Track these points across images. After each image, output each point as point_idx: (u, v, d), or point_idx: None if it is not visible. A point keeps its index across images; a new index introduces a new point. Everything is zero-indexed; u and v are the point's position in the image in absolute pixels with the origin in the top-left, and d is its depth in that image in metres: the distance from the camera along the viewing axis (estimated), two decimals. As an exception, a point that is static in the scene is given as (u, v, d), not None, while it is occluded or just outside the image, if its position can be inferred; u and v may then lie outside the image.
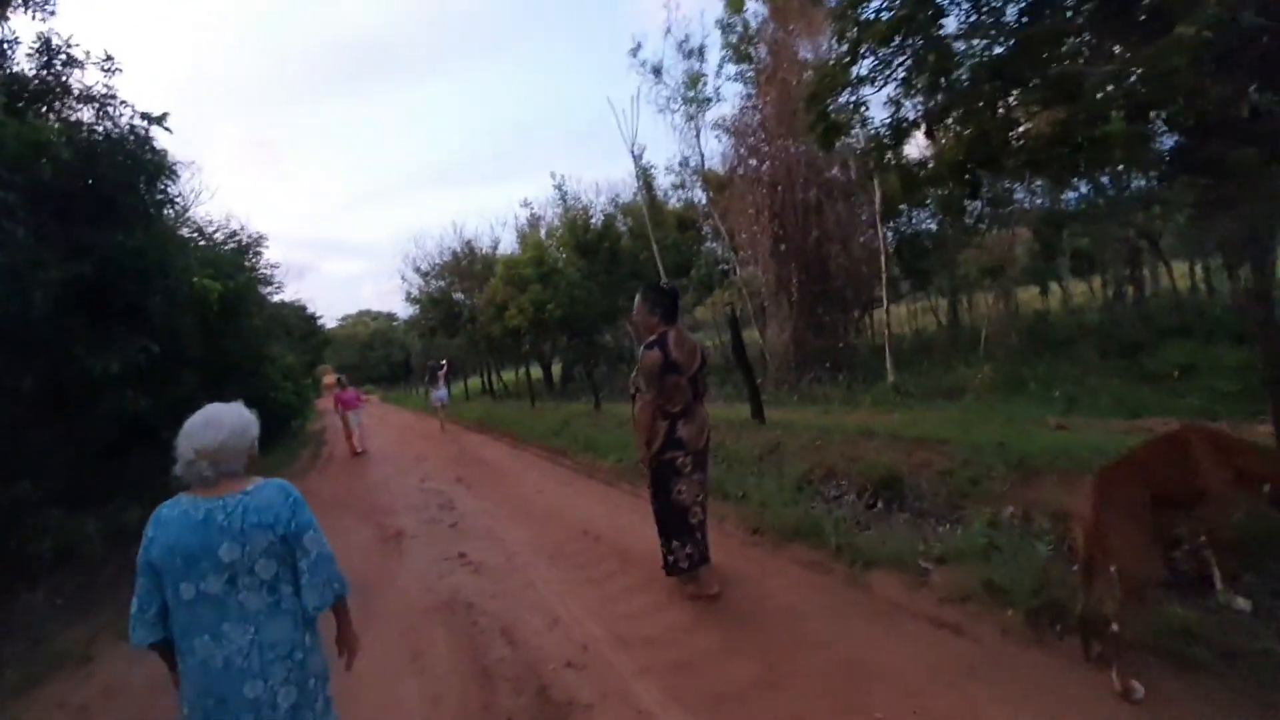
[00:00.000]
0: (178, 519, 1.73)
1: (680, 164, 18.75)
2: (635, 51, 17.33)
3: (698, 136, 18.35)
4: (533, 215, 26.80)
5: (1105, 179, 13.85)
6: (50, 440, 5.22)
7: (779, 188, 14.63)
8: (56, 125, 5.14)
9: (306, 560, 1.82)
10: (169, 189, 7.20)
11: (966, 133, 10.39)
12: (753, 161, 15.73)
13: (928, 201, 14.51)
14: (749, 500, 4.73)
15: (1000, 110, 9.95)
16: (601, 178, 36.41)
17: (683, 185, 20.06)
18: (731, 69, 16.25)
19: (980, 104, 9.52)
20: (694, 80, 17.02)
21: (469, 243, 27.88)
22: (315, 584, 1.82)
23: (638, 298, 3.51)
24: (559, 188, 22.60)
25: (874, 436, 5.50)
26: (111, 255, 5.59)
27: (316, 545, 1.85)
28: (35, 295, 4.47)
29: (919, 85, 8.67)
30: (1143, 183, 14.14)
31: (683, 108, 17.62)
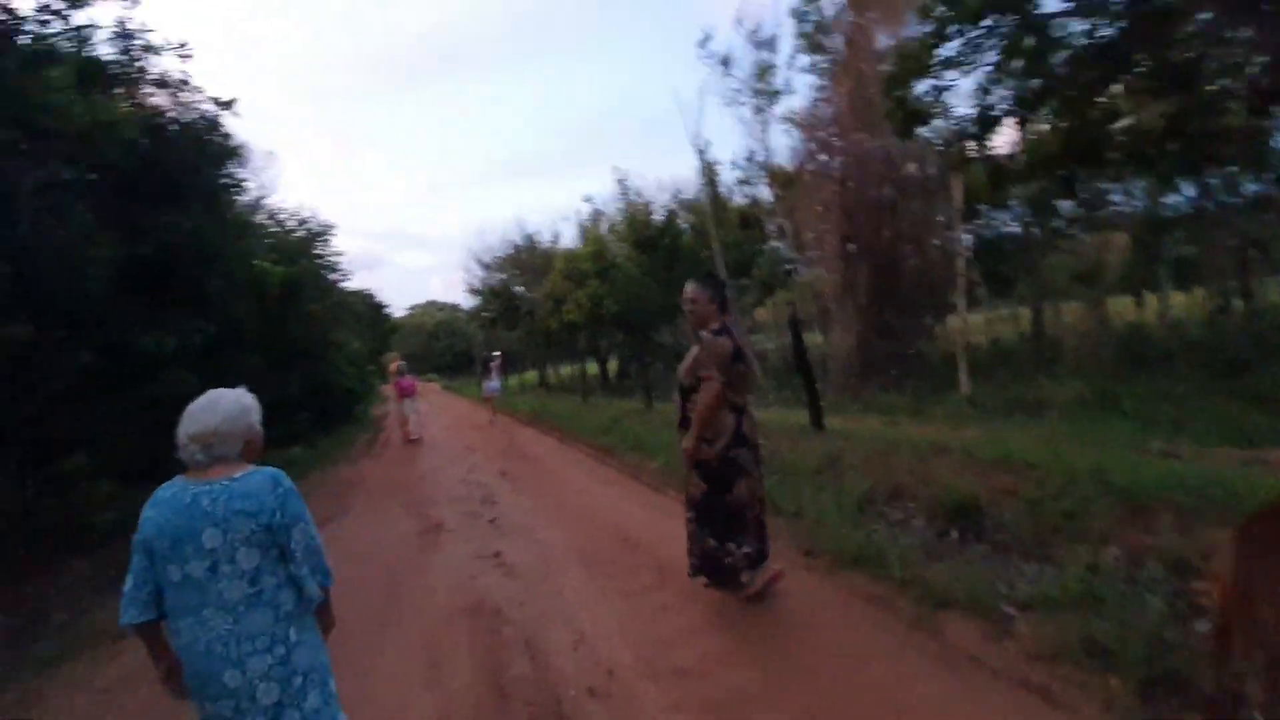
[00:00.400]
0: (169, 500, 1.71)
1: (746, 159, 18.14)
2: (704, 43, 16.93)
3: (765, 130, 17.77)
4: (594, 211, 26.75)
5: (1215, 180, 12.54)
6: (107, 415, 5.30)
7: (850, 184, 13.93)
8: (126, 107, 5.18)
9: (297, 551, 1.77)
10: (234, 174, 7.34)
11: (1063, 124, 9.54)
12: (823, 156, 15.05)
13: (1013, 201, 13.50)
14: (803, 517, 4.31)
15: (1103, 99, 9.05)
16: (665, 173, 36.13)
17: (748, 181, 19.48)
18: (804, 60, 15.64)
19: (1080, 92, 8.67)
20: (764, 72, 16.47)
21: (530, 236, 28.14)
22: (305, 574, 1.78)
23: (695, 286, 3.32)
24: (621, 183, 22.40)
25: (947, 453, 4.95)
26: (171, 236, 5.65)
27: (305, 536, 1.80)
28: (90, 272, 4.49)
29: (1011, 70, 7.93)
30: (1256, 185, 12.75)
31: (751, 100, 17.10)
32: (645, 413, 11.50)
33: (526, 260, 28.64)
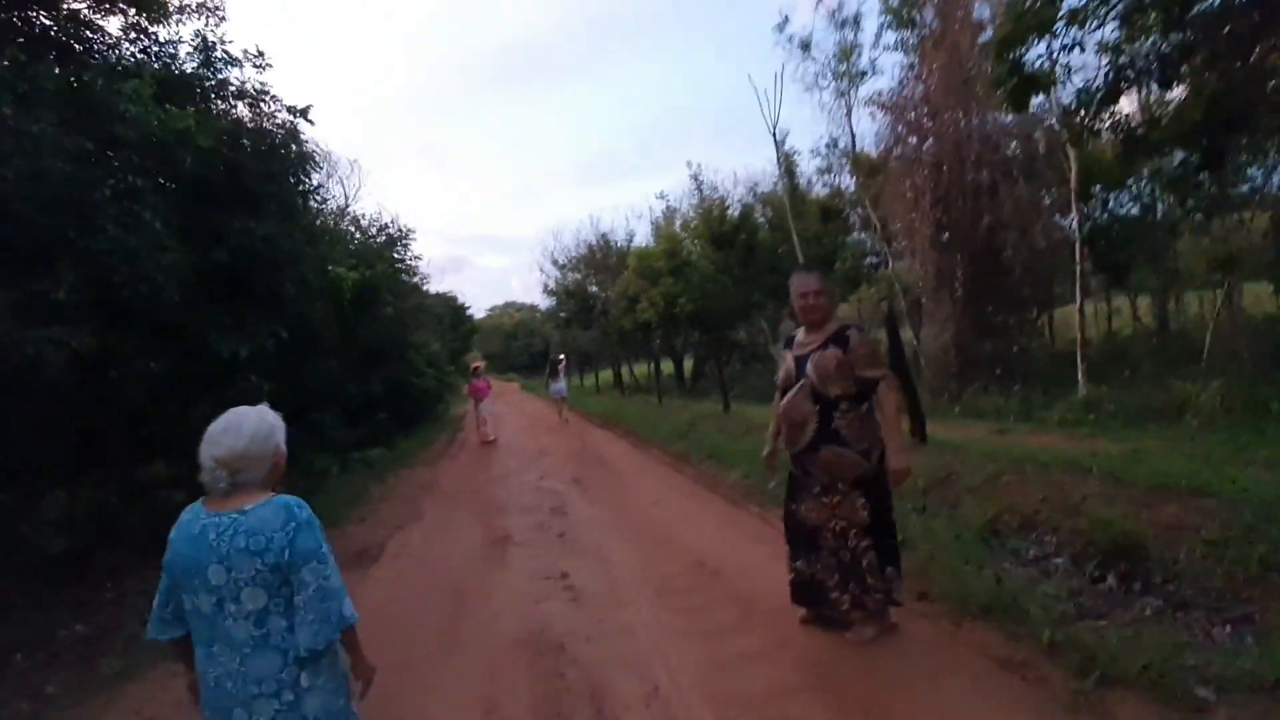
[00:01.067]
0: (184, 527, 1.64)
1: (827, 146, 17.25)
2: (782, 26, 16.23)
3: (848, 115, 16.77)
4: (668, 208, 26.32)
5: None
6: (183, 422, 5.32)
7: (944, 168, 12.83)
8: (193, 113, 5.18)
9: (303, 594, 1.58)
10: (309, 181, 7.38)
11: (1210, 84, 8.22)
12: (913, 140, 13.98)
13: (1142, 177, 12.01)
14: (913, 549, 3.69)
15: (1257, 54, 7.71)
16: (741, 167, 35.08)
17: (829, 170, 18.55)
18: (891, 37, 14.60)
19: (1232, 46, 7.40)
20: (846, 53, 15.52)
21: (604, 235, 28.04)
22: (308, 620, 1.57)
23: (809, 277, 2.94)
24: (695, 177, 21.85)
25: (1084, 473, 4.18)
26: (246, 242, 5.64)
27: (316, 577, 1.60)
28: (162, 280, 4.45)
29: (1149, 23, 6.84)
30: None
31: (832, 84, 16.19)
32: (722, 416, 10.95)
33: (601, 259, 28.59)
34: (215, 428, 1.67)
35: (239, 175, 5.91)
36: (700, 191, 21.93)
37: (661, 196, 32.45)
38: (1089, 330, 16.41)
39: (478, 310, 62.88)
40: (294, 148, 6.94)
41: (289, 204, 6.34)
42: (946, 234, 12.88)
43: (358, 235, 12.95)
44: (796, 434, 2.90)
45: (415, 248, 15.05)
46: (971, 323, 12.63)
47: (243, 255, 5.70)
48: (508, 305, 79.62)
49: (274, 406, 1.79)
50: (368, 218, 14.79)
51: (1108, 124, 7.53)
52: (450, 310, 45.99)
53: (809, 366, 2.81)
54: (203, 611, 1.60)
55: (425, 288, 24.11)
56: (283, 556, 1.56)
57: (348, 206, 15.03)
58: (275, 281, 6.02)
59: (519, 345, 70.38)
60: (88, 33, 5.69)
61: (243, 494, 1.63)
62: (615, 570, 4.49)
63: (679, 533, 5.19)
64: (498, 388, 32.82)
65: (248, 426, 1.67)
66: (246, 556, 1.54)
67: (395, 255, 14.30)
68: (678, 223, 24.90)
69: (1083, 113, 7.50)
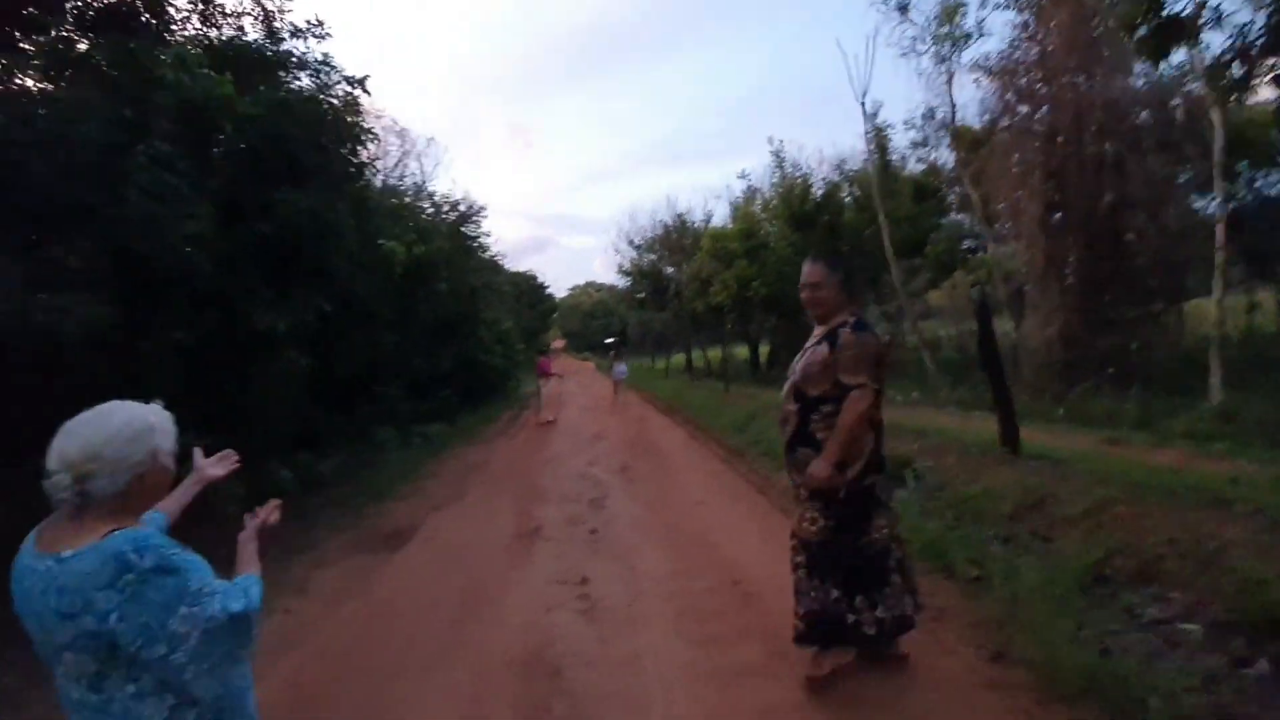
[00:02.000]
0: (18, 558, 1.23)
1: (924, 118, 15.73)
2: (878, -13, 14.78)
3: (949, 83, 15.19)
4: (749, 188, 25.28)
5: None
6: (219, 395, 5.28)
7: (1059, 140, 11.33)
8: (229, 80, 5.04)
9: (156, 673, 1.15)
10: (362, 152, 7.24)
11: None
12: (1023, 108, 12.45)
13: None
14: (989, 590, 3.01)
15: None
16: (828, 144, 33.24)
17: (924, 143, 16.95)
18: (1002, -8, 12.99)
19: None
20: (950, 13, 14.00)
21: (680, 216, 27.35)
22: (200, 675, 1.16)
23: (815, 265, 2.66)
24: (776, 154, 20.73)
25: (1225, 509, 3.31)
26: (289, 214, 5.50)
27: (192, 625, 1.15)
28: (189, 250, 4.32)
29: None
30: None
31: (932, 48, 14.68)
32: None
33: (676, 240, 27.96)
34: (74, 420, 1.26)
35: (286, 145, 5.76)
36: (781, 170, 20.79)
37: (743, 176, 31.31)
38: (1226, 327, 14.35)
39: (558, 290, 63.86)
40: (348, 119, 6.81)
41: (337, 176, 6.19)
42: (1059, 214, 11.41)
43: (428, 210, 12.99)
44: (782, 433, 2.70)
45: (487, 225, 15.04)
46: (1083, 315, 11.16)
47: (286, 227, 5.56)
48: (588, 285, 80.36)
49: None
50: (437, 194, 14.88)
51: (1266, 78, 6.23)
52: (529, 288, 46.88)
53: (799, 363, 2.61)
54: (44, 655, 1.22)
55: (504, 264, 24.38)
56: (110, 624, 1.10)
57: (424, 183, 15.15)
58: (320, 254, 5.89)
59: (597, 325, 70.98)
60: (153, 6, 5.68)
61: (87, 520, 1.20)
62: (639, 581, 4.04)
63: (718, 541, 4.66)
64: (573, 367, 32.91)
65: (116, 420, 1.27)
66: (57, 619, 1.12)
67: (465, 232, 14.31)
68: (758, 203, 23.88)
69: (1234, 67, 6.23)
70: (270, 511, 1.56)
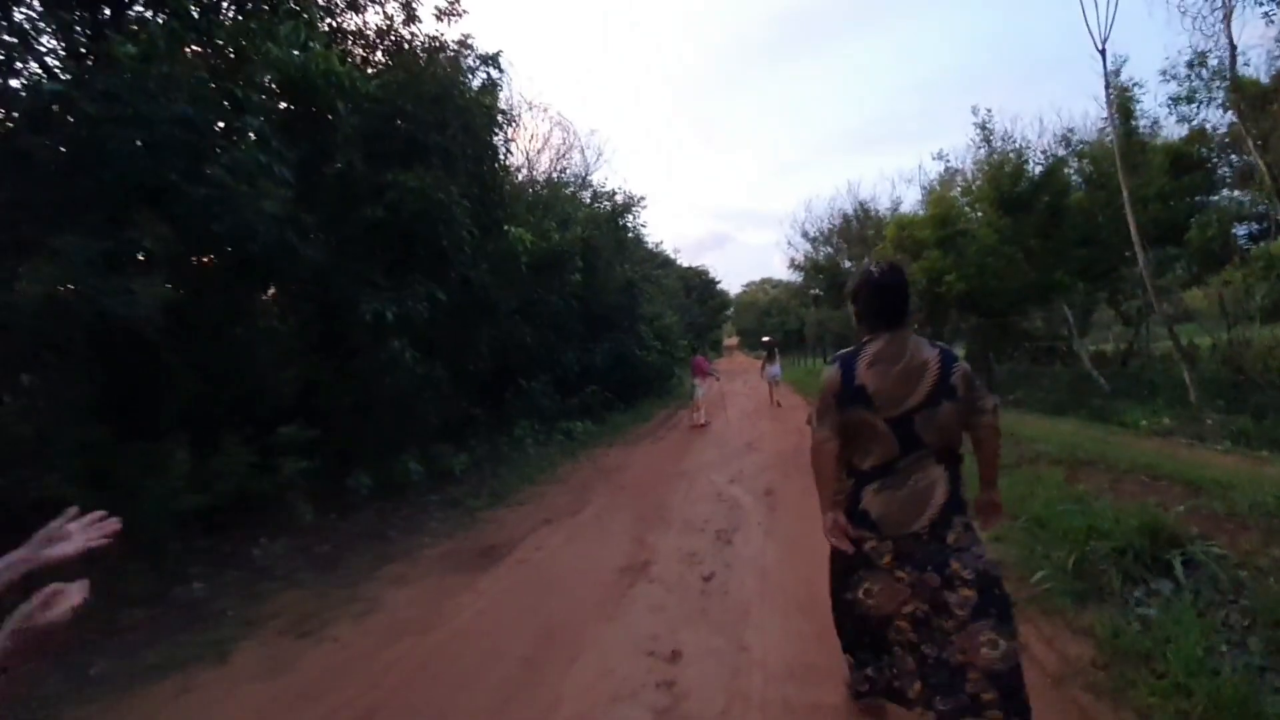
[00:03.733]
0: None
1: (1189, 65, 12.16)
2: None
3: (1227, 20, 11.49)
4: (946, 168, 22.16)
5: None
6: (321, 386, 5.07)
7: None
8: (336, 52, 4.75)
9: None
10: (496, 132, 6.84)
11: None
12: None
13: None
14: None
15: None
16: (1048, 114, 27.89)
17: (1190, 98, 13.17)
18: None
19: None
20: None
21: (863, 204, 24.81)
22: None
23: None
24: (983, 127, 17.67)
25: None
26: (399, 196, 5.16)
27: None
28: (272, 229, 4.02)
29: None
30: None
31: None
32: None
33: (858, 231, 25.46)
34: None
35: (405, 125, 5.43)
36: (989, 144, 17.68)
37: (939, 156, 27.76)
38: None
39: (734, 286, 62.69)
40: (483, 101, 6.43)
41: (458, 157, 5.78)
42: None
43: (586, 200, 12.71)
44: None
45: (661, 219, 14.55)
46: None
47: (396, 209, 5.22)
48: (764, 281, 78.03)
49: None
50: (594, 185, 14.60)
51: None
52: (700, 284, 46.35)
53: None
54: None
55: (677, 259, 23.77)
56: None
57: (586, 174, 15.01)
58: (432, 238, 5.50)
59: (773, 322, 68.70)
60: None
61: None
62: (744, 673, 2.94)
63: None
64: (744, 365, 31.43)
65: None
66: None
67: (623, 224, 13.85)
68: (957, 187, 20.74)
69: None
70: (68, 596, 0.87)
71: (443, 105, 5.89)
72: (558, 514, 6.05)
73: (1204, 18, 11.42)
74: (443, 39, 6.70)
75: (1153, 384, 12.13)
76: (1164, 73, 13.16)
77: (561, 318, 9.82)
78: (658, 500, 6.53)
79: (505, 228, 6.67)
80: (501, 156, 6.96)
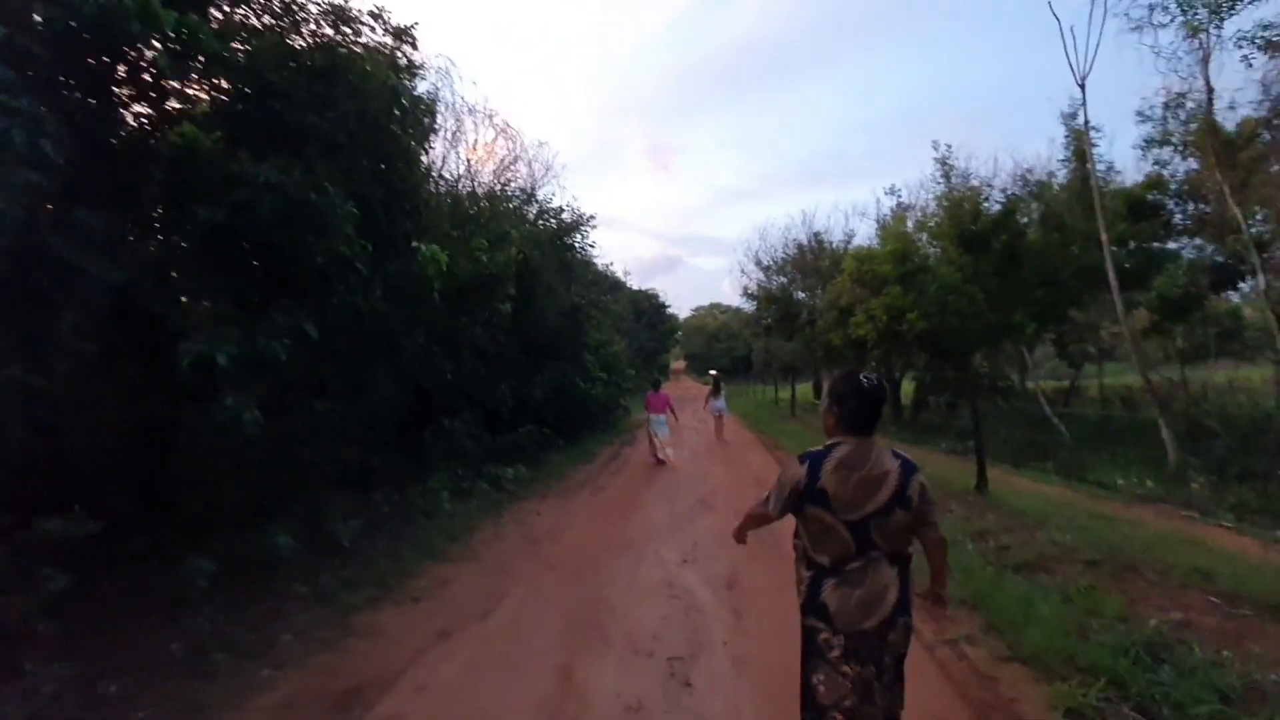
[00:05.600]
0: None
1: (1166, 106, 11.89)
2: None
3: (1205, 63, 11.27)
4: (899, 205, 21.89)
5: None
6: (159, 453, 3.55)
7: None
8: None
9: None
10: (411, 127, 5.47)
11: None
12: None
13: None
14: None
15: None
16: (1004, 153, 28.34)
17: (1165, 141, 12.94)
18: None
19: None
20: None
21: (817, 235, 24.34)
22: None
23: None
24: (943, 162, 17.34)
25: None
26: (253, 196, 3.73)
27: None
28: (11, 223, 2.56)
29: None
30: None
31: (1184, 16, 10.92)
32: (972, 497, 7.27)
33: (811, 262, 24.97)
34: None
35: (269, 101, 4.01)
36: (948, 179, 17.35)
37: (892, 192, 27.78)
38: None
39: (683, 309, 62.13)
40: (378, 75, 5.04)
41: (339, 147, 4.39)
42: None
43: (532, 215, 11.41)
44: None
45: (616, 242, 13.37)
46: None
47: (252, 212, 3.78)
48: (713, 306, 77.98)
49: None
50: (539, 201, 13.31)
51: None
52: (650, 307, 45.43)
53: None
54: None
55: (627, 281, 22.44)
56: None
57: (534, 189, 13.71)
58: (305, 255, 4.07)
59: (721, 348, 68.60)
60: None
61: None
62: None
63: None
64: (692, 393, 30.39)
65: None
66: None
67: (568, 243, 12.58)
68: (910, 222, 20.42)
69: None
70: None
71: (330, 81, 4.52)
72: (461, 618, 4.62)
73: (1180, 58, 11.11)
74: (345, 6, 5.34)
75: (1135, 441, 11.56)
76: (1140, 114, 12.88)
77: (489, 349, 8.39)
78: (595, 590, 5.20)
79: (414, 244, 5.26)
80: (417, 157, 5.60)
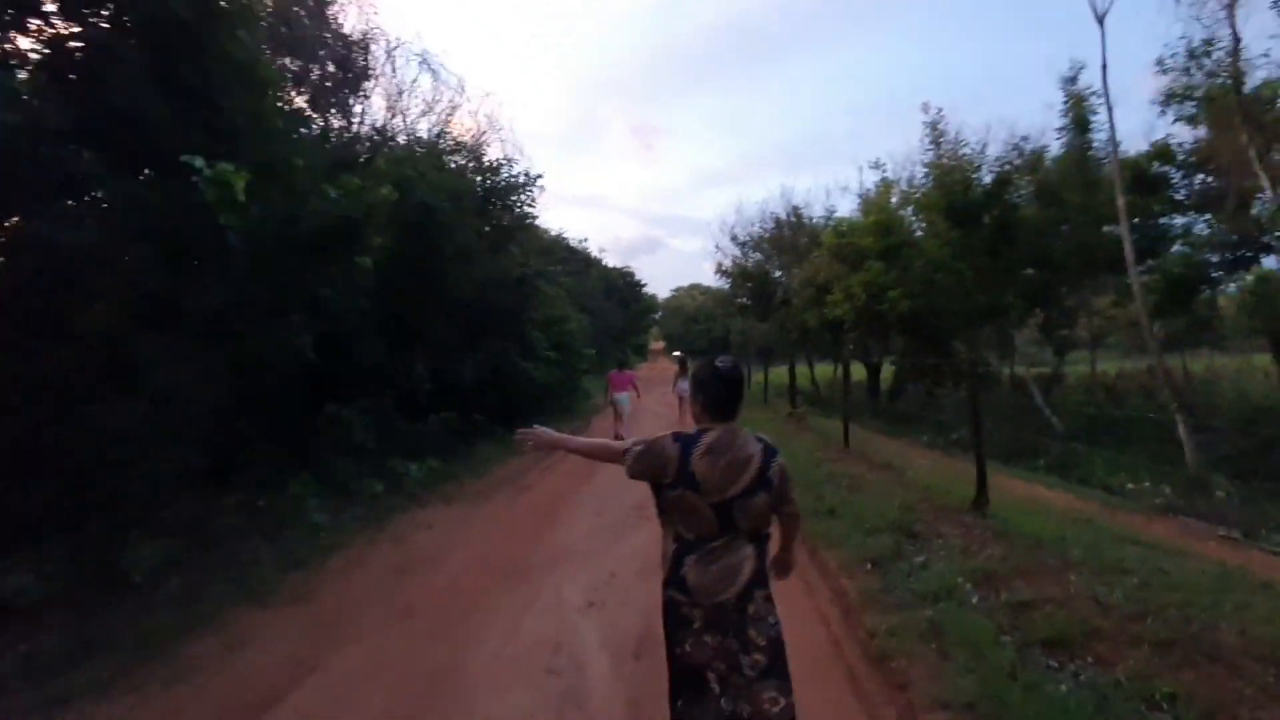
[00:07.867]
0: None
1: (1191, 55, 10.43)
2: None
3: (1231, 9, 9.81)
4: (883, 179, 20.36)
5: None
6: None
7: None
8: None
9: None
10: None
11: None
12: None
13: None
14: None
15: None
16: (996, 120, 26.47)
17: (1188, 95, 11.50)
18: None
19: None
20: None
21: (796, 209, 22.79)
22: None
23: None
24: (933, 126, 15.81)
25: None
26: None
27: None
28: None
29: None
30: None
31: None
32: (970, 517, 5.84)
33: (789, 239, 23.45)
34: None
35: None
36: (938, 146, 15.84)
37: (876, 165, 26.22)
38: None
39: (663, 290, 60.41)
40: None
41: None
42: None
43: (452, 159, 9.74)
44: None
45: (599, 221, 12.02)
46: None
47: None
48: (693, 287, 76.33)
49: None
50: (485, 160, 11.57)
51: None
52: (624, 285, 43.71)
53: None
54: None
55: (599, 257, 20.50)
56: None
57: (479, 146, 11.94)
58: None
59: (699, 329, 67.22)
60: None
61: None
62: None
63: None
64: (669, 373, 28.80)
65: None
66: None
67: (507, 204, 10.88)
68: (896, 194, 18.94)
69: None
70: None
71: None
72: (227, 716, 3.07)
73: (1203, 2, 9.62)
74: None
75: (1145, 439, 10.27)
76: (1159, 63, 11.35)
77: (350, 317, 6.69)
78: (449, 658, 3.67)
79: (187, 159, 3.51)
80: (249, 50, 3.87)
